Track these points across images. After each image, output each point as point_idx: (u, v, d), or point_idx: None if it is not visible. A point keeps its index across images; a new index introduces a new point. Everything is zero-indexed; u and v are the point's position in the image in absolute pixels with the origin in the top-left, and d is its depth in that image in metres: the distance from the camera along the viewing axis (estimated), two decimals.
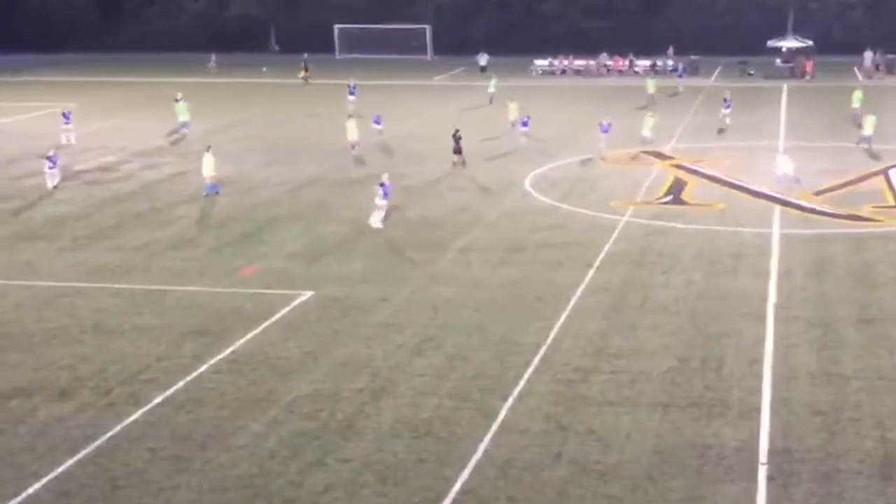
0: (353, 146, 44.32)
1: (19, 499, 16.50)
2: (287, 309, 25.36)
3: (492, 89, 60.86)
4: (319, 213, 35.25)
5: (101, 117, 54.06)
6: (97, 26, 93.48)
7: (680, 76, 66.97)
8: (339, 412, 19.67)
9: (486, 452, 17.96)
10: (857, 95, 52.84)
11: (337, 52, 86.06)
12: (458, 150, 41.18)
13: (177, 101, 51.51)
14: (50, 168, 38.73)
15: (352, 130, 44.56)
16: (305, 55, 75.31)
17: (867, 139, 44.41)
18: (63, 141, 47.13)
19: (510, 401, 20.00)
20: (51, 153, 39.49)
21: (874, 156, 42.98)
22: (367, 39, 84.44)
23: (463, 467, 17.44)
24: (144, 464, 17.77)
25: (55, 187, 38.51)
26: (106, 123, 50.88)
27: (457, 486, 16.87)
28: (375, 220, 32.64)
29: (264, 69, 76.77)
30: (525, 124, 46.27)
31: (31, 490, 16.78)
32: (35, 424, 19.27)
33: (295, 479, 17.22)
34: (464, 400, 20.11)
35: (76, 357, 22.48)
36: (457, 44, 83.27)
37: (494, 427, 18.90)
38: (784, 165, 38.84)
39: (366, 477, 17.26)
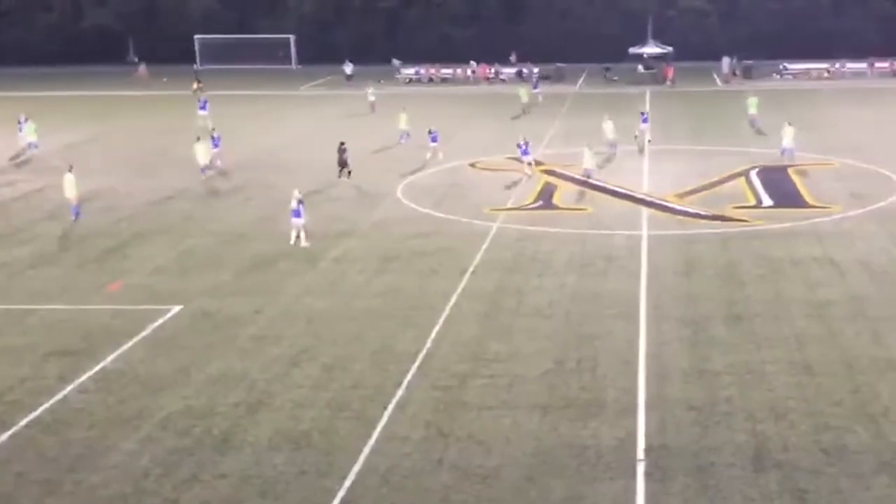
0: (203, 169, 41.64)
1: None
2: (156, 324, 24.92)
3: (372, 98, 60.89)
4: (186, 225, 34.70)
5: None
6: None
7: (535, 87, 65.73)
8: (215, 427, 19.41)
9: (367, 462, 17.97)
10: (753, 102, 53.46)
11: (198, 63, 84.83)
12: (342, 163, 40.78)
13: (20, 122, 49.88)
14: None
15: (202, 153, 41.76)
16: (196, 67, 74.22)
17: (789, 151, 43.39)
18: None
19: (390, 409, 20.03)
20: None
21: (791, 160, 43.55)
22: (229, 50, 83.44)
23: (344, 478, 17.42)
24: (11, 488, 17.29)
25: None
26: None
27: (339, 497, 16.86)
28: (294, 237, 31.62)
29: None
30: (434, 139, 45.02)
31: None
32: None
33: (170, 496, 16.95)
34: (343, 410, 20.07)
35: None
36: (322, 53, 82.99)
37: (375, 436, 18.91)
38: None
39: (245, 492, 17.09)
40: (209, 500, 16.79)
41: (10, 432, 19.33)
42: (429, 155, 44.54)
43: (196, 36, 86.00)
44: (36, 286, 28.42)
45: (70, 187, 36.09)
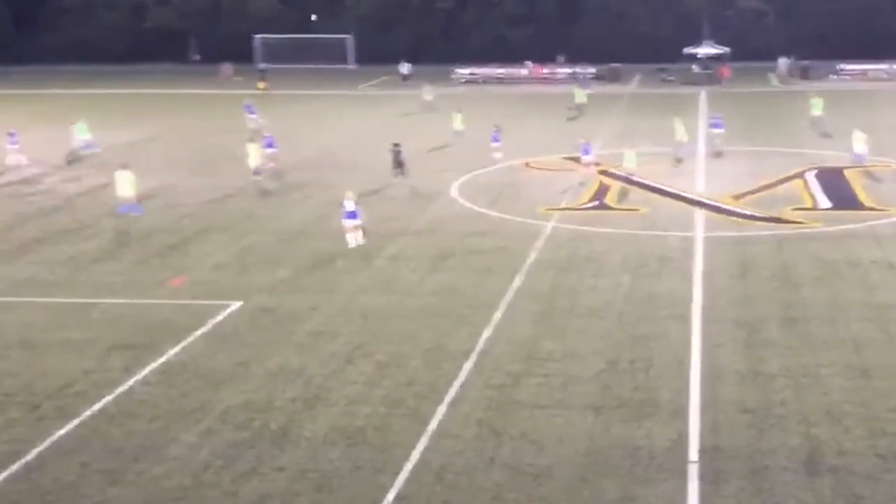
0: (255, 172, 40.98)
1: None
2: (216, 319, 25.20)
3: (428, 97, 61.04)
4: (246, 223, 35.03)
5: (20, 130, 52.93)
6: (11, 37, 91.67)
7: (585, 87, 65.19)
8: (273, 421, 19.60)
9: (420, 459, 18.02)
10: (817, 103, 52.15)
11: (258, 63, 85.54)
12: (398, 163, 40.80)
13: (73, 124, 50.62)
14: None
15: (253, 155, 41.11)
16: (262, 66, 74.98)
17: (861, 157, 42.25)
18: (13, 163, 45.09)
19: (443, 407, 20.09)
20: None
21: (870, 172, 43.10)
22: (288, 49, 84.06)
23: (397, 474, 17.48)
24: (76, 478, 17.54)
25: None
26: (26, 136, 49.85)
27: (392, 493, 16.91)
28: (352, 240, 31.35)
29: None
30: (496, 139, 45.06)
31: None
32: None
33: (230, 489, 17.12)
34: (397, 407, 20.16)
35: (2, 373, 22.09)
36: (378, 53, 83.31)
37: (428, 433, 18.97)
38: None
39: (301, 485, 17.23)
40: (267, 493, 16.96)
41: (75, 423, 19.63)
42: (497, 155, 44.54)
43: (256, 35, 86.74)
44: (100, 280, 28.84)
45: (123, 184, 36.28)
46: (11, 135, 46.21)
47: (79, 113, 54.59)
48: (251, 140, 42.19)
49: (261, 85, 71.37)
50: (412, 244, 31.98)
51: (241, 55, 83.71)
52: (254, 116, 54.65)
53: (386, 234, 32.90)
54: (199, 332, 24.31)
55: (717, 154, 45.44)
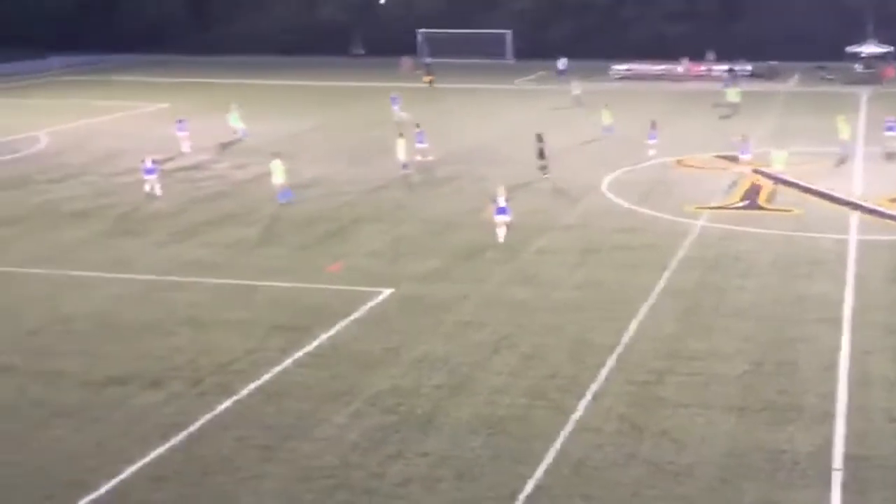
0: (404, 166, 41.21)
1: (114, 482, 16.93)
2: (369, 305, 25.63)
3: (577, 92, 60.70)
4: (400, 213, 35.47)
5: (193, 117, 54.83)
6: (188, 28, 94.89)
7: (726, 84, 63.41)
8: (419, 407, 19.83)
9: (560, 451, 17.99)
10: None
11: (422, 57, 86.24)
12: (541, 154, 40.72)
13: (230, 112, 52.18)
14: (147, 176, 38.10)
15: (402, 149, 41.29)
16: (429, 60, 75.84)
17: None
18: (184, 149, 46.64)
19: (585, 400, 19.99)
20: (148, 162, 38.71)
21: None
22: (449, 43, 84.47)
23: (537, 465, 17.48)
24: (233, 452, 18.11)
25: (152, 192, 37.90)
26: (198, 124, 51.66)
27: (531, 484, 16.91)
28: (501, 234, 30.98)
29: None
30: (653, 136, 44.36)
31: (125, 475, 17.21)
32: (130, 411, 19.76)
33: (376, 470, 17.41)
34: (539, 398, 20.15)
35: (170, 348, 22.98)
36: (536, 48, 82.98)
37: (569, 426, 18.91)
38: None
39: (443, 471, 17.39)
40: (410, 477, 17.18)
41: (234, 399, 20.28)
42: (651, 151, 43.97)
43: (419, 30, 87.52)
44: (262, 264, 29.64)
45: (276, 173, 37.10)
46: (180, 122, 47.79)
47: (250, 103, 56.20)
48: (401, 135, 42.55)
49: (427, 78, 72.05)
50: (560, 238, 31.85)
51: (403, 49, 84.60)
52: (396, 108, 55.39)
53: (535, 227, 32.84)
54: (351, 317, 24.78)
55: (890, 156, 43.64)
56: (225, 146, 48.24)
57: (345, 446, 18.25)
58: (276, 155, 38.33)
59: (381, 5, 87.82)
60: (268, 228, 33.59)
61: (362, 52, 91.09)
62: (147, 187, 38.08)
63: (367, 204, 36.94)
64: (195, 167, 43.80)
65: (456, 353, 22.49)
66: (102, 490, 16.68)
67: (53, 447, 18.25)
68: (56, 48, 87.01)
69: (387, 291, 26.66)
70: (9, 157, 46.76)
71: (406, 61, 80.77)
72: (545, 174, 40.00)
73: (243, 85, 73.42)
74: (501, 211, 30.98)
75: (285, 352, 22.63)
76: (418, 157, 43.01)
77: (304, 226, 33.86)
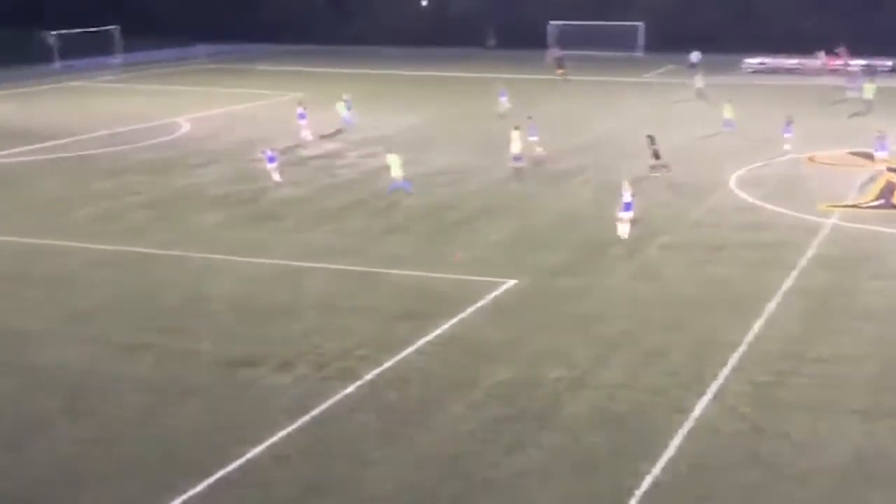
0: (515, 158, 40.40)
1: (242, 461, 17.27)
2: (492, 296, 25.56)
3: (700, 84, 59.51)
4: (526, 204, 35.29)
5: (328, 107, 55.60)
6: (328, 19, 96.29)
7: (851, 81, 60.75)
8: (537, 400, 19.69)
9: (678, 449, 17.62)
10: None
11: (553, 48, 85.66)
12: (656, 155, 40.03)
13: (343, 100, 52.80)
14: (270, 164, 38.71)
15: (516, 141, 40.40)
16: (561, 53, 75.54)
17: None
18: (306, 138, 47.42)
19: (705, 399, 19.54)
20: (269, 150, 39.40)
21: None
22: (580, 36, 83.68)
23: (655, 462, 17.16)
24: (355, 435, 18.28)
25: (278, 181, 38.42)
26: (333, 113, 52.34)
27: (647, 481, 16.61)
28: (624, 230, 30.21)
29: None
30: (788, 130, 43.01)
31: (252, 453, 17.53)
32: (258, 392, 20.13)
33: (491, 461, 17.35)
34: (659, 395, 19.79)
35: (298, 332, 23.32)
36: (669, 41, 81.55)
37: (688, 425, 18.51)
38: None
39: (559, 465, 17.23)
40: (526, 470, 17.07)
41: (357, 383, 20.46)
42: (787, 146, 42.81)
43: (551, 21, 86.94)
44: (390, 251, 29.84)
45: (393, 165, 37.14)
46: (301, 111, 48.37)
47: (382, 94, 56.67)
48: (517, 128, 42.10)
49: (559, 71, 71.65)
50: (686, 234, 31.23)
51: (535, 41, 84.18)
52: (504, 100, 55.12)
53: (660, 222, 32.27)
54: (474, 307, 24.74)
55: None
56: (358, 135, 48.72)
57: (462, 435, 18.24)
58: (389, 150, 38.41)
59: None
60: (396, 217, 33.81)
61: (494, 43, 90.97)
62: (276, 176, 38.57)
63: (495, 195, 36.85)
64: (329, 156, 44.40)
65: (577, 347, 22.26)
66: (230, 467, 17.02)
67: (185, 424, 18.72)
68: (203, 37, 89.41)
69: (510, 282, 26.54)
70: (153, 142, 48.18)
71: (552, 52, 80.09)
72: (656, 173, 39.12)
73: (378, 75, 74.21)
74: (627, 207, 30.30)
75: (408, 339, 22.72)
76: (538, 150, 42.59)
77: (431, 215, 33.99)
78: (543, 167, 40.97)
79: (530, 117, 44.05)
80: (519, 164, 40.37)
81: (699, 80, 59.71)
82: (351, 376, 20.76)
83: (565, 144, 44.28)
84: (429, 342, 22.64)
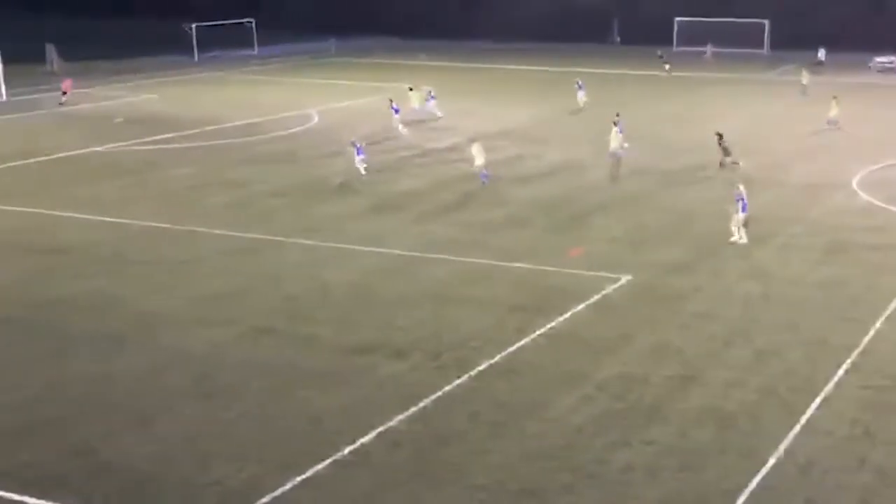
0: (610, 155, 40.25)
1: (355, 445, 17.53)
2: (605, 291, 25.37)
3: (804, 81, 58.02)
4: (644, 201, 34.87)
5: (453, 101, 55.87)
6: (455, 15, 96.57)
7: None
8: (647, 395, 19.49)
9: (787, 451, 17.24)
10: None
11: (674, 45, 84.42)
12: (726, 152, 38.97)
13: (410, 90, 53.42)
14: (359, 156, 38.95)
15: (614, 137, 40.25)
16: (659, 52, 74.75)
17: None
18: (402, 131, 47.90)
19: (817, 401, 19.06)
20: (357, 143, 39.83)
21: None
22: (704, 32, 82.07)
23: (763, 463, 16.82)
24: (466, 425, 18.38)
25: (363, 173, 38.67)
26: (457, 107, 52.57)
27: (755, 481, 16.29)
28: (736, 231, 29.24)
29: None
30: None
31: (366, 438, 17.78)
32: (374, 379, 20.40)
33: (600, 455, 17.25)
34: (770, 396, 19.38)
35: (414, 321, 23.55)
36: (795, 38, 79.35)
37: (798, 426, 18.09)
38: None
39: (667, 461, 17.03)
40: (633, 465, 16.93)
41: (470, 373, 20.55)
42: None
43: (676, 18, 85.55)
44: (508, 245, 29.84)
45: (478, 155, 37.50)
46: (395, 105, 48.82)
47: (505, 88, 56.55)
48: (615, 124, 41.40)
49: (666, 66, 70.60)
50: (804, 234, 30.44)
51: (659, 38, 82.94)
52: (581, 94, 54.95)
53: (779, 222, 31.53)
54: (587, 302, 24.60)
55: None
56: (479, 129, 48.79)
57: (571, 429, 18.19)
58: (473, 140, 38.75)
59: None
60: (514, 211, 33.79)
61: (618, 40, 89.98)
62: (361, 168, 38.79)
63: (613, 190, 36.54)
64: (449, 149, 44.59)
65: (688, 345, 21.95)
66: (345, 451, 17.29)
67: (303, 407, 19.10)
68: (334, 32, 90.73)
69: (624, 278, 26.30)
70: (284, 132, 49.16)
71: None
72: (724, 166, 38.37)
73: (500, 70, 74.16)
74: (742, 209, 29.29)
75: (521, 332, 22.73)
76: (625, 145, 41.89)
77: (549, 209, 33.87)
78: (663, 164, 40.38)
79: (618, 115, 43.40)
80: (614, 160, 40.06)
81: (804, 77, 58.19)
82: (464, 366, 20.86)
83: (685, 141, 43.57)
84: (542, 335, 22.60)
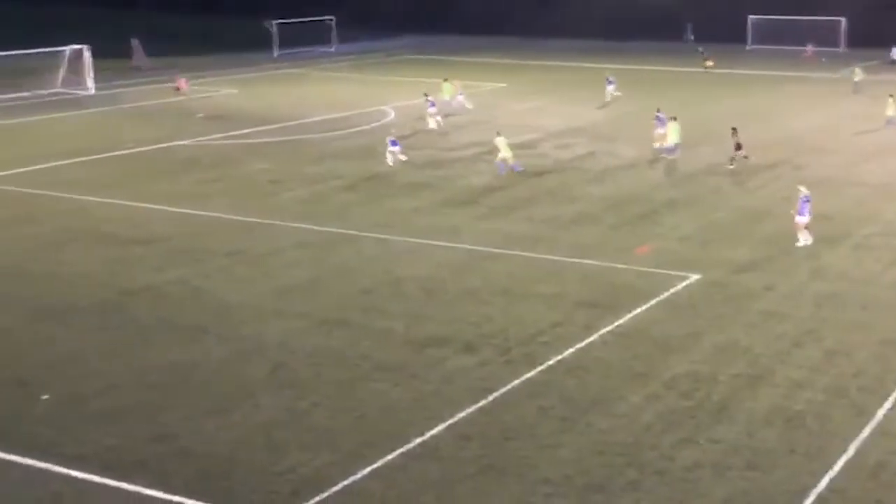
0: (666, 148, 40.57)
1: (424, 437, 17.59)
2: (674, 289, 25.09)
3: (857, 78, 56.77)
4: (714, 199, 34.42)
5: (526, 98, 55.76)
6: (529, 13, 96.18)
7: None
8: (715, 394, 19.25)
9: (857, 452, 16.90)
10: None
11: (748, 43, 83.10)
12: (738, 146, 38.41)
13: (445, 80, 54.41)
14: (392, 147, 39.87)
15: (672, 133, 40.34)
16: (700, 48, 73.97)
17: None
18: (431, 126, 47.95)
19: (888, 403, 18.64)
20: (393, 136, 40.85)
21: None
22: (779, 30, 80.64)
23: (832, 464, 16.50)
24: (534, 420, 18.33)
25: (395, 163, 39.51)
26: (530, 104, 52.45)
27: (824, 482, 16.00)
28: (802, 240, 28.28)
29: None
30: None
31: (435, 431, 17.83)
32: (444, 372, 20.43)
33: (667, 453, 17.08)
34: (840, 396, 19.01)
35: (483, 316, 23.53)
36: (872, 36, 77.51)
37: (869, 428, 17.71)
38: None
39: (733, 460, 16.80)
40: (700, 463, 16.73)
41: (539, 368, 20.49)
42: None
43: (750, 16, 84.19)
44: (577, 241, 29.69)
45: (504, 148, 38.10)
46: (430, 101, 49.10)
47: (574, 86, 56.12)
48: (674, 118, 41.02)
49: (708, 63, 69.72)
50: (878, 234, 29.79)
51: (731, 36, 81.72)
52: (611, 88, 55.02)
53: (853, 221, 30.91)
54: (656, 300, 24.35)
55: None
56: (554, 127, 48.57)
57: (639, 426, 18.03)
58: (499, 133, 39.31)
59: None
60: (585, 207, 33.60)
61: (693, 38, 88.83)
62: (390, 159, 39.64)
63: (683, 188, 36.12)
64: (524, 146, 44.37)
65: (757, 344, 21.62)
66: (414, 443, 17.36)
67: (374, 399, 19.21)
68: (411, 29, 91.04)
69: (693, 277, 25.98)
70: (361, 128, 49.44)
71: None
72: (731, 165, 38.03)
73: (574, 67, 73.69)
74: (802, 212, 28.31)
75: (589, 328, 22.60)
76: (655, 145, 41.81)
77: (618, 206, 33.60)
78: (735, 162, 39.78)
79: (659, 110, 43.13)
80: (670, 156, 39.85)
81: (857, 74, 57.06)
82: (533, 361, 20.81)
83: (758, 140, 42.82)
84: (610, 332, 22.44)
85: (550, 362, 20.79)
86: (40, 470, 16.53)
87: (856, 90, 56.51)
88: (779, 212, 31.95)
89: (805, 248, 28.21)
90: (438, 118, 48.46)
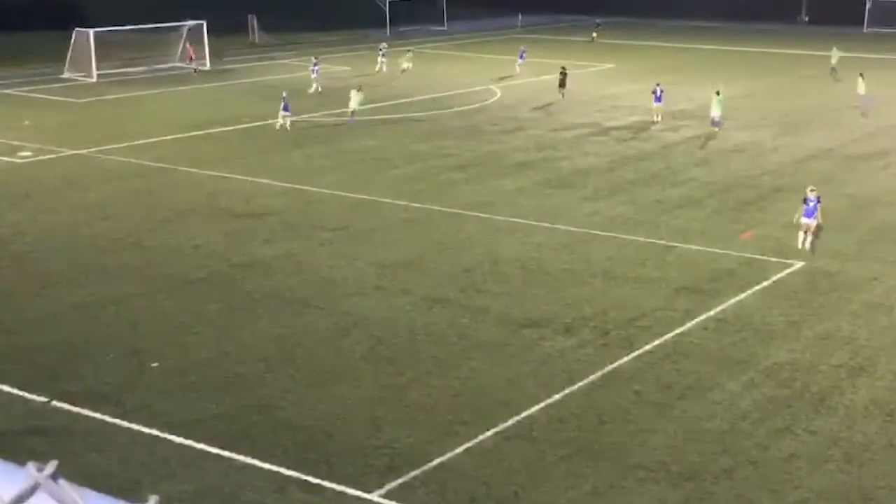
0: (714, 123, 41.35)
1: (519, 417, 17.60)
2: (776, 277, 24.53)
3: (833, 61, 54.92)
4: (823, 186, 33.32)
5: (635, 79, 54.89)
6: None
7: None
8: (814, 384, 18.81)
9: None
10: None
11: (865, 26, 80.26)
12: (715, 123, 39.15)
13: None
14: (284, 112, 42.69)
15: (716, 106, 41.44)
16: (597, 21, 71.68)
17: None
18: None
19: None
20: (285, 97, 43.22)
21: None
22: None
23: None
24: (629, 404, 18.18)
25: (281, 128, 42.33)
26: (639, 86, 51.59)
27: None
28: (803, 242, 25.76)
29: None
30: None
31: (530, 411, 17.82)
32: (541, 353, 20.39)
33: (763, 442, 16.78)
34: None
35: (582, 298, 23.38)
36: None
37: None
38: None
39: (832, 452, 16.42)
40: (796, 454, 16.39)
41: (636, 353, 20.29)
42: None
43: None
44: (680, 225, 29.23)
45: (355, 101, 40.61)
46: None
47: (687, 68, 54.84)
48: (717, 92, 41.61)
49: (594, 34, 68.85)
50: None
51: (849, 18, 79.02)
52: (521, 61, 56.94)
53: None
54: (758, 287, 23.85)
55: None
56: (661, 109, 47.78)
57: (735, 414, 17.73)
58: (357, 87, 42.79)
59: None
60: (689, 191, 33.03)
61: (807, 19, 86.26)
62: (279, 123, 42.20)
63: (792, 174, 35.19)
64: (630, 128, 43.89)
65: (860, 335, 21.02)
66: (509, 423, 17.38)
67: (470, 377, 19.28)
68: (522, 7, 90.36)
69: (797, 264, 25.35)
70: (468, 107, 49.40)
71: None
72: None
73: (685, 49, 72.28)
74: (808, 214, 25.82)
75: (689, 313, 22.26)
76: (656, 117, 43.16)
77: (724, 191, 32.94)
78: (844, 149, 38.58)
79: (658, 84, 43.79)
80: (716, 129, 40.21)
81: (833, 56, 55.21)
82: (631, 345, 20.62)
83: (868, 126, 41.52)
84: (710, 318, 22.07)
85: (648, 347, 20.56)
86: (147, 435, 17.05)
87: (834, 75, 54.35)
88: (889, 201, 30.97)
89: None
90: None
